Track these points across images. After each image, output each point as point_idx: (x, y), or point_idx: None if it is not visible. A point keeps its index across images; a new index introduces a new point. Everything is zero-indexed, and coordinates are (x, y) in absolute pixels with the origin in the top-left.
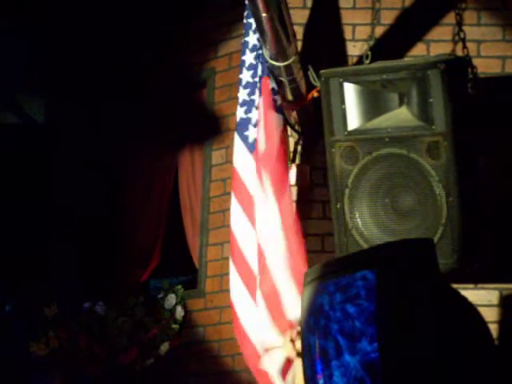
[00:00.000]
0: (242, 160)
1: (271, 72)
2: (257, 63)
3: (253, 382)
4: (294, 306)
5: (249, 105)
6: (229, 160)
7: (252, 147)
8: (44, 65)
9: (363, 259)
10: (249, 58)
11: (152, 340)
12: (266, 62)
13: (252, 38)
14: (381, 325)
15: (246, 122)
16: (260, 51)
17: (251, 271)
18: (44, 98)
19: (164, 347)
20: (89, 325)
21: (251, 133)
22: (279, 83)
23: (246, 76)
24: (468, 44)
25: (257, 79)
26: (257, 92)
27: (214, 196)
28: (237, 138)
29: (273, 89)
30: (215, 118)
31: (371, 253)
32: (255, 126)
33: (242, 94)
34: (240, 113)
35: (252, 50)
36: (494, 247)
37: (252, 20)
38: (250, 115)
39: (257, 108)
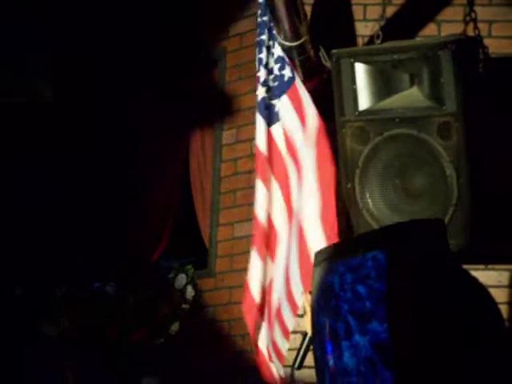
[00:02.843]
0: (265, 139)
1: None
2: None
3: (262, 362)
4: None
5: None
6: (240, 140)
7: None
8: (53, 45)
9: (373, 240)
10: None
11: (162, 320)
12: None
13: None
14: (391, 305)
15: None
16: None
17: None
18: (52, 78)
19: (174, 327)
20: (99, 305)
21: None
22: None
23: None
24: (479, 24)
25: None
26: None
27: (225, 176)
28: (258, 118)
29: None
30: (226, 97)
31: (381, 233)
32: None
33: (263, 74)
34: (261, 92)
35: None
36: (505, 227)
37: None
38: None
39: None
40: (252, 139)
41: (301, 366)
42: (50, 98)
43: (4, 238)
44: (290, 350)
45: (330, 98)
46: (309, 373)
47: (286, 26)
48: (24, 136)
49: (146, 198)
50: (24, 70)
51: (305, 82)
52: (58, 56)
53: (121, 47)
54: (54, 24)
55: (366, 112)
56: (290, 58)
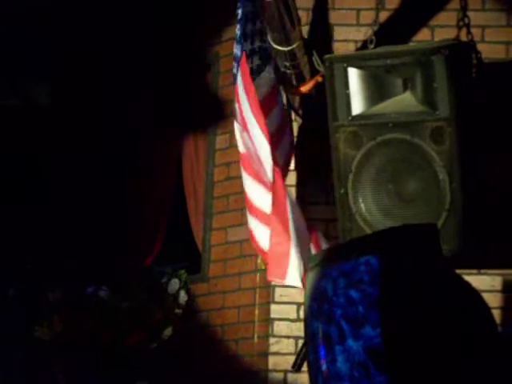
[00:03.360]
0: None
1: (276, 57)
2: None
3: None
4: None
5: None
6: (233, 144)
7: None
8: (49, 48)
9: (366, 244)
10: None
11: (155, 325)
12: (270, 46)
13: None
14: (384, 310)
15: None
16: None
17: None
18: (48, 82)
19: (167, 332)
20: (92, 309)
21: None
22: (283, 68)
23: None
24: (472, 29)
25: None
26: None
27: (218, 181)
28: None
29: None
30: (219, 102)
31: (374, 238)
32: None
33: None
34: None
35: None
36: (498, 232)
37: (239, 11)
38: None
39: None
40: None
41: (300, 368)
42: (48, 99)
43: None
44: (290, 354)
45: (323, 103)
46: (305, 377)
47: (277, 31)
48: (23, 137)
49: (139, 202)
50: (23, 70)
51: (297, 86)
52: (58, 56)
53: (121, 48)
54: (54, 24)
55: (359, 117)
56: (283, 62)
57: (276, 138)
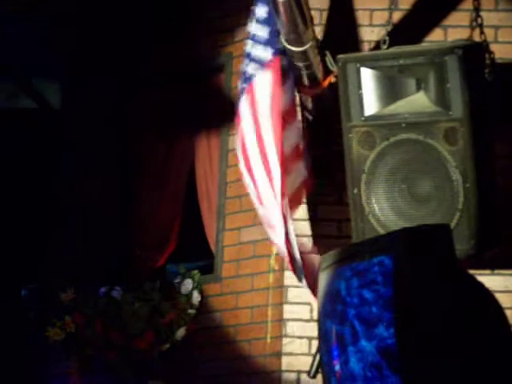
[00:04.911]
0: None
1: (288, 56)
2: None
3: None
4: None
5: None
6: None
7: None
8: (60, 49)
9: (380, 245)
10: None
11: (168, 325)
12: (283, 46)
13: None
14: (397, 310)
15: None
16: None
17: None
18: (60, 83)
19: (180, 332)
20: (105, 309)
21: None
22: (296, 68)
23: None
24: (485, 29)
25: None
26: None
27: (231, 181)
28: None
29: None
30: (232, 102)
31: (388, 238)
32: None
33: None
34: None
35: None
36: (511, 233)
37: (258, 9)
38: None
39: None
40: None
41: (316, 375)
42: (58, 103)
43: (11, 241)
44: (303, 355)
45: (336, 103)
46: (319, 377)
47: (290, 31)
48: (32, 138)
49: (152, 202)
50: (32, 74)
51: (310, 87)
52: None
53: (126, 50)
54: (62, 25)
55: (373, 117)
56: (295, 62)
57: (291, 157)
